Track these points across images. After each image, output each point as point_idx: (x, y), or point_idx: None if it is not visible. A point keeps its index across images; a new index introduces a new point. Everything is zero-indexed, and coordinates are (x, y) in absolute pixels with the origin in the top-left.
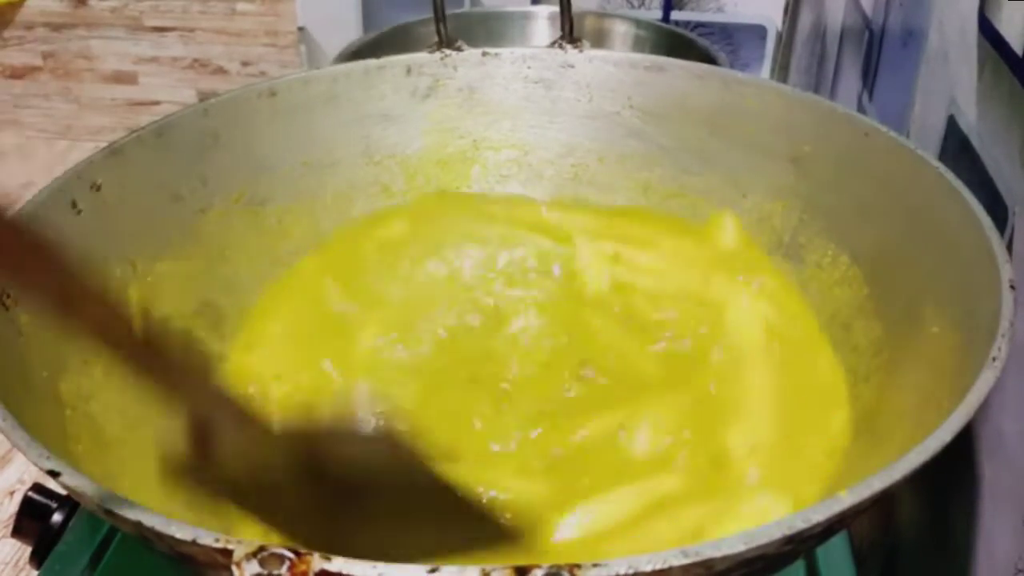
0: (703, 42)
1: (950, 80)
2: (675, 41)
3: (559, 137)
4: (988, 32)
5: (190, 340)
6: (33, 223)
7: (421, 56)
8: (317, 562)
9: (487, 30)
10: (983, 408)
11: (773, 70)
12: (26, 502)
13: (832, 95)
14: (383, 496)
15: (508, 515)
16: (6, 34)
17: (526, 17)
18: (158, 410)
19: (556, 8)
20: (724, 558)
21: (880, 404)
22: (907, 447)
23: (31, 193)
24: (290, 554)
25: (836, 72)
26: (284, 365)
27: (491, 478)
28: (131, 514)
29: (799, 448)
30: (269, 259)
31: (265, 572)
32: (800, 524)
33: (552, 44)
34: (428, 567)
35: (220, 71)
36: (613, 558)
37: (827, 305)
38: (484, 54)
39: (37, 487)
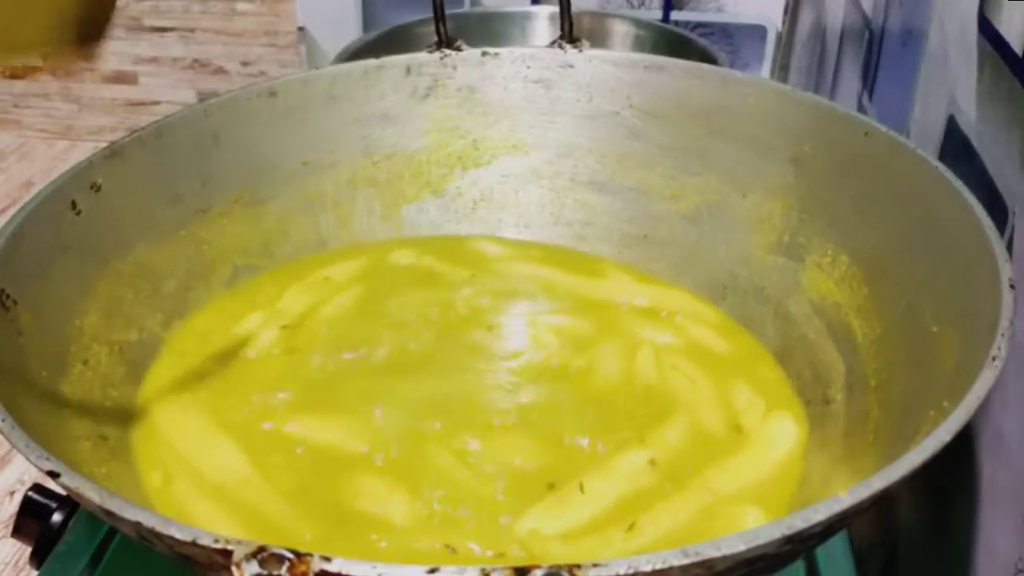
0: (703, 42)
1: (950, 80)
2: (675, 41)
3: (559, 137)
4: (988, 32)
5: None
6: (33, 223)
7: (421, 56)
8: (317, 562)
9: (487, 30)
10: (983, 408)
11: (773, 70)
12: (26, 502)
13: (832, 95)
14: None
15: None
16: None
17: (526, 17)
18: None
19: (556, 8)
20: (724, 558)
21: (880, 404)
22: (907, 447)
23: (31, 193)
24: (290, 554)
25: (836, 72)
26: None
27: None
28: (131, 515)
29: None
30: (269, 259)
31: (265, 572)
32: (800, 524)
33: (552, 44)
34: (427, 567)
35: (220, 71)
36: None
37: (827, 305)
38: (484, 54)
39: (37, 487)
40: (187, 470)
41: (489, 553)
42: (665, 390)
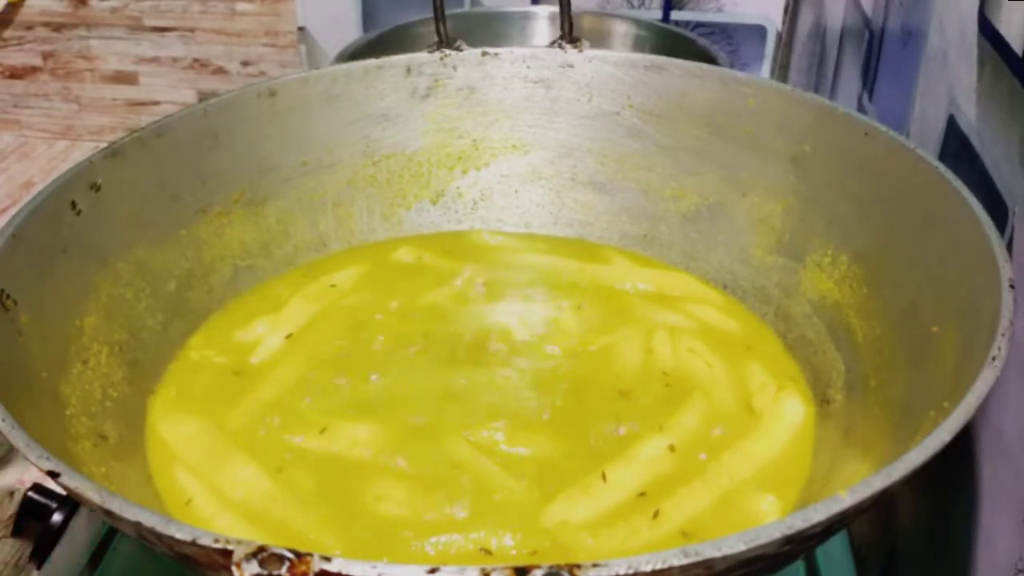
0: (703, 42)
1: (950, 80)
2: (675, 41)
3: (559, 137)
4: (988, 32)
5: None
6: (33, 223)
7: (421, 56)
8: (317, 562)
9: (487, 30)
10: (983, 408)
11: (773, 70)
12: (26, 502)
13: (832, 95)
14: None
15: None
16: (6, 34)
17: (526, 17)
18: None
19: (556, 8)
20: (724, 558)
21: (880, 404)
22: (907, 447)
23: (31, 193)
24: (290, 554)
25: (836, 72)
26: None
27: None
28: (131, 514)
29: None
30: (269, 259)
31: (265, 572)
32: (800, 524)
33: (552, 44)
34: (428, 567)
35: (220, 71)
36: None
37: (827, 305)
38: (484, 54)
39: (37, 487)
40: (207, 487)
41: (524, 551)
42: (682, 374)
